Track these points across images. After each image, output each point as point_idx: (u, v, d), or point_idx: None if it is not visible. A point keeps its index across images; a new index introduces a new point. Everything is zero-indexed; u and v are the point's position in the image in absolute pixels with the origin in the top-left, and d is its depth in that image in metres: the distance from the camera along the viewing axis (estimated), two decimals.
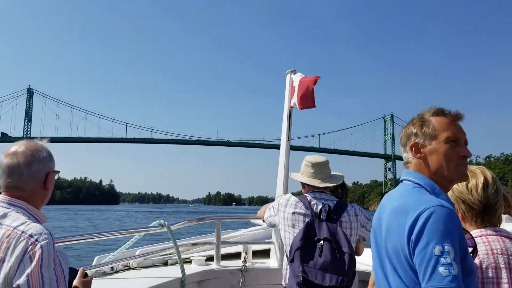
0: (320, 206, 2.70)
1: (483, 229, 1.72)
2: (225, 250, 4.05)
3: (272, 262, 3.87)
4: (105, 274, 3.32)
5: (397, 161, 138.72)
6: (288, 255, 2.66)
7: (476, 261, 1.60)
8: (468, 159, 1.62)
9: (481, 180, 1.76)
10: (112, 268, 3.40)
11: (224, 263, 3.80)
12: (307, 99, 3.51)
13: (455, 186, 1.77)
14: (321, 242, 2.55)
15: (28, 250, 1.45)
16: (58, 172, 1.74)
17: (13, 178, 1.62)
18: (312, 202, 2.73)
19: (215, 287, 3.59)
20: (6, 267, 1.44)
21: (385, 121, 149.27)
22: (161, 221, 3.40)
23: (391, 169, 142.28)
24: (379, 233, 1.57)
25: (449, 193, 1.70)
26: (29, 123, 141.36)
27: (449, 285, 1.30)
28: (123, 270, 3.49)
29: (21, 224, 1.52)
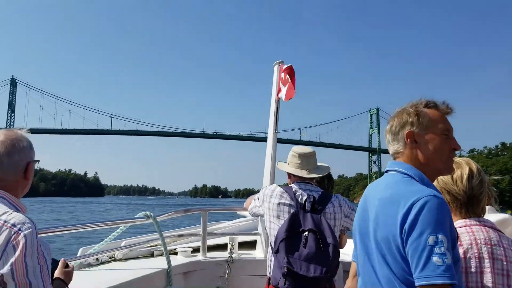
0: (305, 197, 2.70)
1: (467, 220, 1.74)
2: (211, 241, 4.04)
3: (258, 253, 3.88)
4: (90, 265, 3.29)
5: (382, 154, 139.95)
6: (273, 246, 2.67)
7: (460, 251, 1.61)
8: None
9: (466, 171, 1.78)
10: (97, 259, 3.37)
11: (210, 254, 3.79)
12: (290, 90, 3.52)
13: (440, 177, 1.78)
14: (306, 233, 2.56)
15: (12, 239, 1.42)
16: (38, 161, 1.71)
17: None
18: (297, 193, 2.73)
19: (201, 278, 3.58)
20: None
21: (370, 115, 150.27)
22: (147, 212, 3.38)
23: (376, 162, 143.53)
24: (365, 224, 1.57)
25: (434, 183, 1.71)
26: (13, 114, 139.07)
27: (443, 274, 1.31)
28: (108, 262, 3.46)
29: (3, 213, 1.49)
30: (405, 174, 1.56)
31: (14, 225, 1.45)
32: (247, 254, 3.89)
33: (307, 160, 2.87)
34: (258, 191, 3.06)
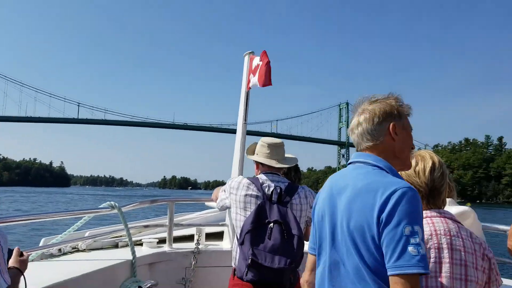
0: (271, 188, 2.70)
1: (428, 211, 1.77)
2: (178, 232, 4.01)
3: (225, 244, 3.87)
4: (52, 256, 3.20)
5: (351, 148, 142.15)
6: (238, 238, 2.66)
7: None
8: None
9: (429, 164, 1.81)
10: (59, 250, 3.28)
11: (177, 245, 3.76)
12: (267, 77, 3.49)
13: None
14: (271, 224, 2.57)
15: None
16: None
17: None
18: (264, 184, 2.73)
19: (166, 269, 3.55)
20: None
21: (340, 109, 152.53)
22: (112, 202, 3.31)
23: (345, 156, 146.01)
24: (332, 213, 1.56)
25: None
26: None
27: (418, 264, 1.34)
28: (71, 252, 3.38)
29: None
30: (375, 166, 1.56)
31: None
32: (214, 245, 3.88)
33: (276, 151, 2.87)
34: None
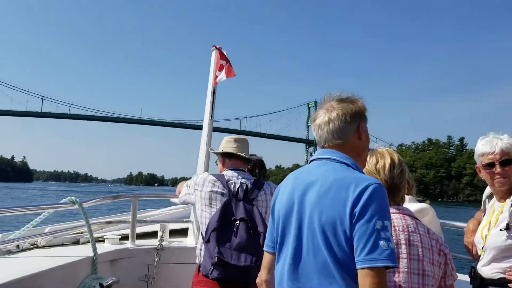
0: (237, 185, 2.70)
1: None
2: (141, 229, 3.95)
3: (189, 241, 3.85)
4: (9, 252, 3.09)
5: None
6: (203, 235, 2.64)
7: None
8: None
9: (388, 161, 1.86)
10: (17, 246, 3.17)
11: (140, 242, 3.70)
12: (229, 71, 3.51)
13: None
14: (237, 222, 2.56)
15: None
16: None
17: None
18: (230, 181, 2.72)
19: (129, 266, 3.49)
20: None
21: (309, 107, 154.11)
22: (73, 197, 3.22)
23: (313, 154, 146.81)
24: (299, 209, 1.55)
25: None
26: None
27: (388, 258, 1.38)
28: (30, 249, 3.27)
29: None
30: (343, 162, 1.58)
31: None
32: (178, 241, 3.85)
33: (242, 145, 2.89)
34: None
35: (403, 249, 1.69)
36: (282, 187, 1.71)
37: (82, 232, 3.67)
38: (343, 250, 1.43)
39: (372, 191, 1.43)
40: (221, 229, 2.55)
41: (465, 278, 2.56)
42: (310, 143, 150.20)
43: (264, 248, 1.79)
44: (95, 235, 3.35)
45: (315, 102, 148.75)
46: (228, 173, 2.79)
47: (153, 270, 3.51)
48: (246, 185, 2.70)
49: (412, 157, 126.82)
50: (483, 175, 2.34)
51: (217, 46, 3.80)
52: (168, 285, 3.56)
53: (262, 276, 1.80)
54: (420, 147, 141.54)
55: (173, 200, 4.46)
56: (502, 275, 2.18)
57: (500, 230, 2.18)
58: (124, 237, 3.72)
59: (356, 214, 1.41)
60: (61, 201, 3.22)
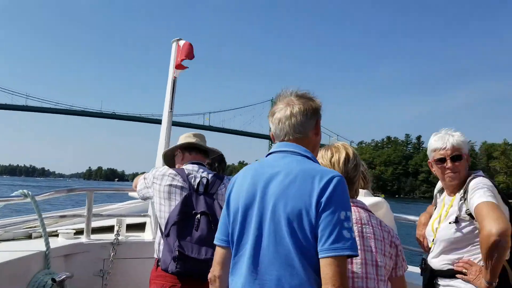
0: (198, 180, 2.68)
1: None
2: (97, 223, 3.87)
3: (147, 235, 3.80)
4: None
5: None
6: (163, 229, 2.61)
7: None
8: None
9: (343, 155, 1.90)
10: None
11: (95, 236, 3.63)
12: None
13: (319, 160, 1.89)
14: (198, 216, 2.55)
15: None
16: None
17: None
18: (190, 175, 2.70)
19: (83, 260, 3.41)
20: None
21: (273, 104, 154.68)
22: (25, 190, 3.10)
23: None
24: (261, 200, 1.55)
25: None
26: None
27: (351, 247, 1.43)
28: None
29: None
30: (304, 155, 1.61)
31: None
32: (135, 236, 3.79)
33: (201, 139, 2.90)
34: None
35: (357, 241, 1.72)
36: (238, 179, 1.69)
37: (34, 227, 3.56)
38: (307, 240, 1.46)
39: (336, 182, 1.48)
40: (182, 223, 2.53)
41: (416, 270, 2.65)
42: None
43: (216, 242, 1.74)
44: (48, 230, 3.26)
45: None
46: (188, 167, 2.76)
47: (108, 265, 3.45)
48: (207, 179, 2.69)
49: (372, 154, 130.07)
50: (435, 170, 2.42)
51: (178, 38, 3.75)
52: (125, 280, 3.51)
53: (215, 271, 1.74)
54: (379, 144, 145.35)
55: (131, 194, 4.38)
56: (450, 267, 2.27)
57: (450, 223, 2.27)
58: (79, 232, 3.64)
59: (322, 204, 1.45)
60: (12, 194, 3.10)
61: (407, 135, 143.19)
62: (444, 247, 2.29)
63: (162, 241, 2.62)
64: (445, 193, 2.46)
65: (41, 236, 3.19)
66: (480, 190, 2.14)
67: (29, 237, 3.49)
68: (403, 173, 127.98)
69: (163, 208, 2.65)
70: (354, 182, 1.89)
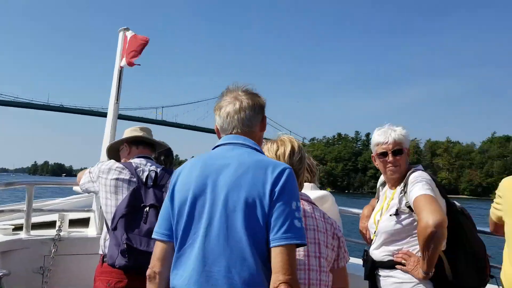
0: (146, 173, 2.64)
1: None
2: (38, 219, 3.72)
3: (91, 231, 3.69)
4: None
5: None
6: (109, 223, 2.55)
7: None
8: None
9: (288, 148, 1.93)
10: None
11: (36, 232, 3.48)
12: (134, 56, 3.40)
13: (266, 153, 1.89)
14: (147, 208, 2.51)
15: None
16: None
17: None
18: (138, 169, 2.66)
19: (22, 257, 3.27)
20: None
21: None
22: None
23: None
24: (212, 192, 1.54)
25: None
26: None
27: (302, 235, 1.49)
28: None
29: None
30: (254, 148, 1.65)
31: None
32: (78, 232, 3.67)
33: (148, 133, 2.87)
34: None
35: None
36: (184, 171, 1.67)
37: None
38: (260, 228, 1.48)
39: (288, 174, 1.54)
40: (130, 216, 2.48)
41: (359, 261, 2.72)
42: None
43: (156, 237, 1.69)
44: None
45: None
46: (136, 161, 2.72)
47: (49, 261, 3.32)
48: (156, 172, 2.65)
49: (323, 150, 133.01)
50: (378, 163, 2.49)
51: (125, 28, 3.65)
52: (67, 277, 3.38)
53: (155, 267, 1.65)
54: (330, 141, 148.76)
55: (75, 188, 4.23)
56: (391, 258, 2.34)
57: (390, 215, 2.34)
58: (18, 228, 3.48)
59: (276, 194, 1.50)
60: None
61: (357, 132, 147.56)
62: (385, 239, 2.36)
63: (108, 236, 2.56)
64: (387, 186, 2.54)
65: None
66: (418, 184, 2.22)
67: None
68: (352, 169, 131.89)
69: (110, 202, 2.59)
70: (299, 174, 1.92)
